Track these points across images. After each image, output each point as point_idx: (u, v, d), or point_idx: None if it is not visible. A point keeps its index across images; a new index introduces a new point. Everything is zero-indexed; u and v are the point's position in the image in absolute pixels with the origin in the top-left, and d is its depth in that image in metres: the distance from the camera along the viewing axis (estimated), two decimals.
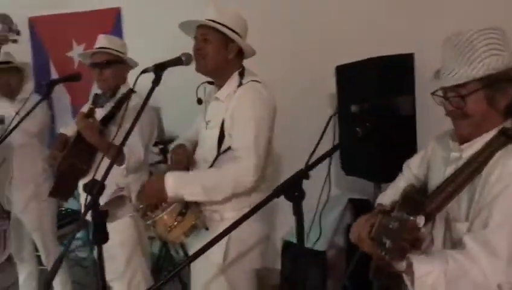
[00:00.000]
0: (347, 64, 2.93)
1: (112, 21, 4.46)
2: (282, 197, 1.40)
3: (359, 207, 3.31)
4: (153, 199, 2.11)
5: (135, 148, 2.54)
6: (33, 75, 4.85)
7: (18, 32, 2.90)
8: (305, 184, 2.69)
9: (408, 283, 1.39)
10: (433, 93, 1.56)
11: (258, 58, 2.32)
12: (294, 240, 3.07)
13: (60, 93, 4.59)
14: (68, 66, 4.63)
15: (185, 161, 2.27)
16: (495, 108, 1.49)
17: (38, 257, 3.56)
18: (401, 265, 1.30)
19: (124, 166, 2.49)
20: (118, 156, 1.87)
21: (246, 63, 2.31)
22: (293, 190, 1.35)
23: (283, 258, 3.62)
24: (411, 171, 1.87)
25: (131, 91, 2.61)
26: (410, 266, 1.36)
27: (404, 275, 1.39)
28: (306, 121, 3.38)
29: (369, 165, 2.84)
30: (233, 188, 2.07)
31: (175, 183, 2.06)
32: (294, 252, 3.45)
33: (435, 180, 1.63)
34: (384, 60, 2.67)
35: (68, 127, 2.92)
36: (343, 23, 3.47)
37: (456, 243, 1.50)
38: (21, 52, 4.46)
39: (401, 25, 3.24)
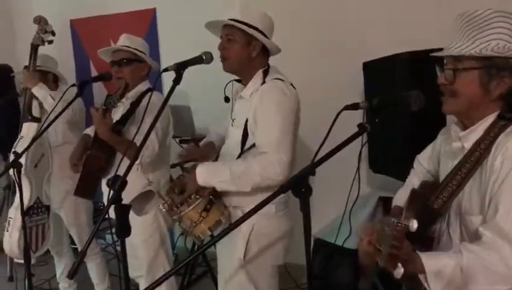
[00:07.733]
0: (374, 60, 2.89)
1: (148, 21, 4.56)
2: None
3: (390, 205, 3.24)
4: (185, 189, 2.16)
5: (149, 142, 2.45)
6: (75, 74, 5.05)
7: (53, 33, 2.99)
8: (336, 181, 2.66)
9: (424, 282, 1.33)
10: (433, 56, 1.50)
11: (286, 57, 2.33)
12: (326, 237, 3.08)
13: (101, 92, 4.72)
14: (107, 66, 4.74)
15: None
16: (487, 95, 1.42)
17: (75, 249, 3.66)
18: (398, 272, 1.20)
19: (137, 161, 2.44)
20: (137, 154, 1.91)
21: (275, 63, 2.30)
22: (299, 186, 1.35)
23: (314, 255, 3.60)
24: (422, 166, 1.80)
25: (150, 90, 2.64)
26: (421, 264, 1.31)
27: (419, 274, 1.33)
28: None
29: (397, 163, 2.79)
30: (261, 179, 2.07)
31: (205, 173, 2.12)
32: (326, 250, 3.42)
33: (444, 176, 1.57)
34: (412, 55, 2.62)
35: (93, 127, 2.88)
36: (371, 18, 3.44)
37: (473, 238, 1.43)
38: (64, 53, 4.66)
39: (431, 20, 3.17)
